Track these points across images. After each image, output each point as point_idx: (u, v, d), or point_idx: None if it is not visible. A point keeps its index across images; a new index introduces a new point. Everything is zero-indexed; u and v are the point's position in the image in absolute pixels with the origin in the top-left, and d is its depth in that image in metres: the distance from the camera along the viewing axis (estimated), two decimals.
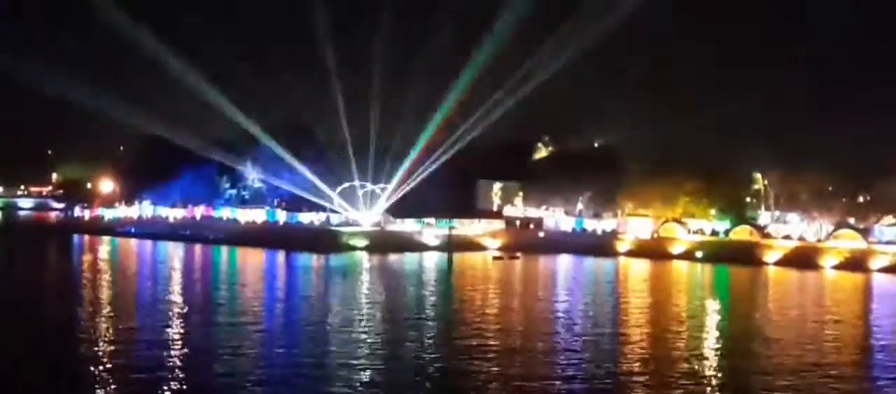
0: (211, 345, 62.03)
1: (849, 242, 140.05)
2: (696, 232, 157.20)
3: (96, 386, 49.47)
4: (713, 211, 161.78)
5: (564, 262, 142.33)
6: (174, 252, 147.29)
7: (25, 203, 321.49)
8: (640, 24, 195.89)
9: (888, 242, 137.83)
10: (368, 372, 54.29)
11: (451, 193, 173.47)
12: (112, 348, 60.39)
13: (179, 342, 63.34)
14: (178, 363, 56.17)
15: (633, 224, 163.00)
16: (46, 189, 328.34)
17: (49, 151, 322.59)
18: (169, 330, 67.92)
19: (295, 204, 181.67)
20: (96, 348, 60.16)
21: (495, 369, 55.66)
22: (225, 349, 60.04)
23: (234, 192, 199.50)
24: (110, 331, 66.87)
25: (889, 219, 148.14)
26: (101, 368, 53.81)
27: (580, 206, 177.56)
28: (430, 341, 65.57)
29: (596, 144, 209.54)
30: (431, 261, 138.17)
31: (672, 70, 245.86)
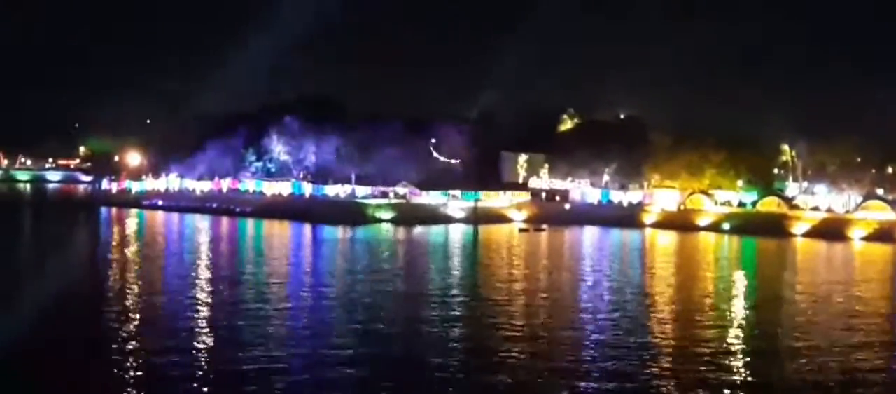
0: (239, 322, 62.26)
1: (878, 212, 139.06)
2: (723, 204, 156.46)
3: (123, 367, 49.44)
4: (740, 182, 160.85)
5: (590, 234, 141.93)
6: (201, 225, 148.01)
7: (53, 176, 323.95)
8: None
9: None
10: (390, 347, 54.53)
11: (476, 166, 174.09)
12: (139, 325, 60.62)
13: (207, 318, 63.71)
14: (205, 342, 56.45)
15: (660, 196, 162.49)
16: (74, 162, 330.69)
17: (76, 125, 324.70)
18: (196, 306, 68.28)
19: (321, 176, 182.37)
20: (122, 327, 60.30)
21: (520, 347, 55.62)
22: (252, 328, 60.23)
23: (259, 164, 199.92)
24: (137, 307, 67.30)
25: None
26: (126, 348, 53.91)
27: (606, 178, 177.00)
28: (454, 317, 65.50)
29: (621, 116, 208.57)
30: (457, 233, 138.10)
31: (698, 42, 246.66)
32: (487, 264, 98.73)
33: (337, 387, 45.49)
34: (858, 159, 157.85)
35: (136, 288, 76.31)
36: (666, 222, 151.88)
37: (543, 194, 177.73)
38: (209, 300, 70.25)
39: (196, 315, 63.65)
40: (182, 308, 65.55)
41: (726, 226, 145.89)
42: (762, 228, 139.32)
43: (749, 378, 48.43)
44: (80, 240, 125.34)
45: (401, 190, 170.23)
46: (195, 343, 54.21)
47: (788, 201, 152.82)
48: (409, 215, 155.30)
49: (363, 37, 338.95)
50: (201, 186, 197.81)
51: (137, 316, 62.90)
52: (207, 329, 59.01)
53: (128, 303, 68.65)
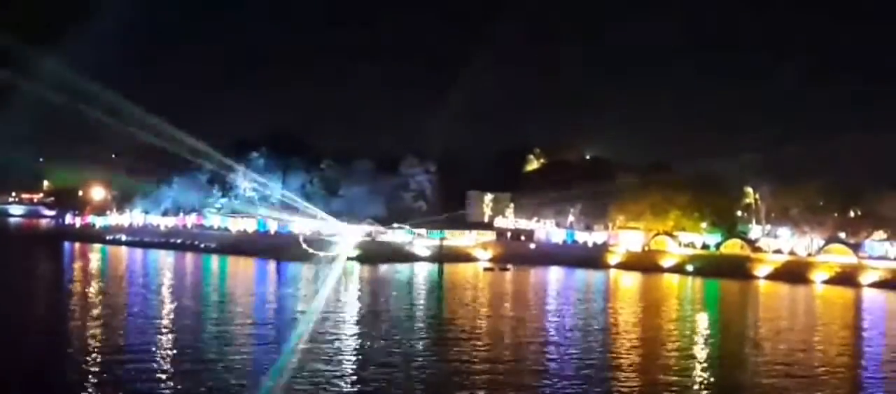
0: (199, 357, 61.87)
1: (839, 256, 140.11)
2: (687, 245, 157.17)
3: None
4: (704, 224, 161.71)
5: (555, 274, 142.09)
6: (165, 261, 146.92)
7: (16, 210, 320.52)
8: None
9: (878, 258, 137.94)
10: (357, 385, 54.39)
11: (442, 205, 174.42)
12: (99, 359, 60.10)
13: (167, 353, 63.18)
14: (165, 376, 56.00)
15: (624, 237, 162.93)
16: (37, 196, 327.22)
17: (40, 159, 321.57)
18: (156, 341, 67.72)
19: (287, 213, 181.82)
20: (83, 361, 59.80)
21: (483, 382, 55.67)
22: (213, 362, 59.89)
23: (225, 200, 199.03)
24: (97, 343, 66.66)
25: (879, 234, 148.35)
26: (87, 382, 53.52)
27: (571, 218, 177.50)
28: (418, 353, 65.42)
29: (587, 156, 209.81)
30: (422, 272, 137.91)
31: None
32: (453, 304, 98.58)
33: None
34: (821, 203, 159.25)
35: (96, 328, 75.52)
36: (630, 263, 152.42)
37: (509, 234, 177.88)
38: (170, 344, 69.59)
39: (156, 360, 63.04)
40: (142, 351, 64.82)
41: (690, 268, 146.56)
42: (725, 271, 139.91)
43: None
44: (41, 276, 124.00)
45: (366, 227, 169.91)
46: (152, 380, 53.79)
47: (751, 244, 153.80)
48: (374, 253, 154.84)
49: (329, 73, 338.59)
50: (166, 222, 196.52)
51: (97, 356, 62.23)
52: (166, 375, 58.49)
53: (88, 339, 67.92)
